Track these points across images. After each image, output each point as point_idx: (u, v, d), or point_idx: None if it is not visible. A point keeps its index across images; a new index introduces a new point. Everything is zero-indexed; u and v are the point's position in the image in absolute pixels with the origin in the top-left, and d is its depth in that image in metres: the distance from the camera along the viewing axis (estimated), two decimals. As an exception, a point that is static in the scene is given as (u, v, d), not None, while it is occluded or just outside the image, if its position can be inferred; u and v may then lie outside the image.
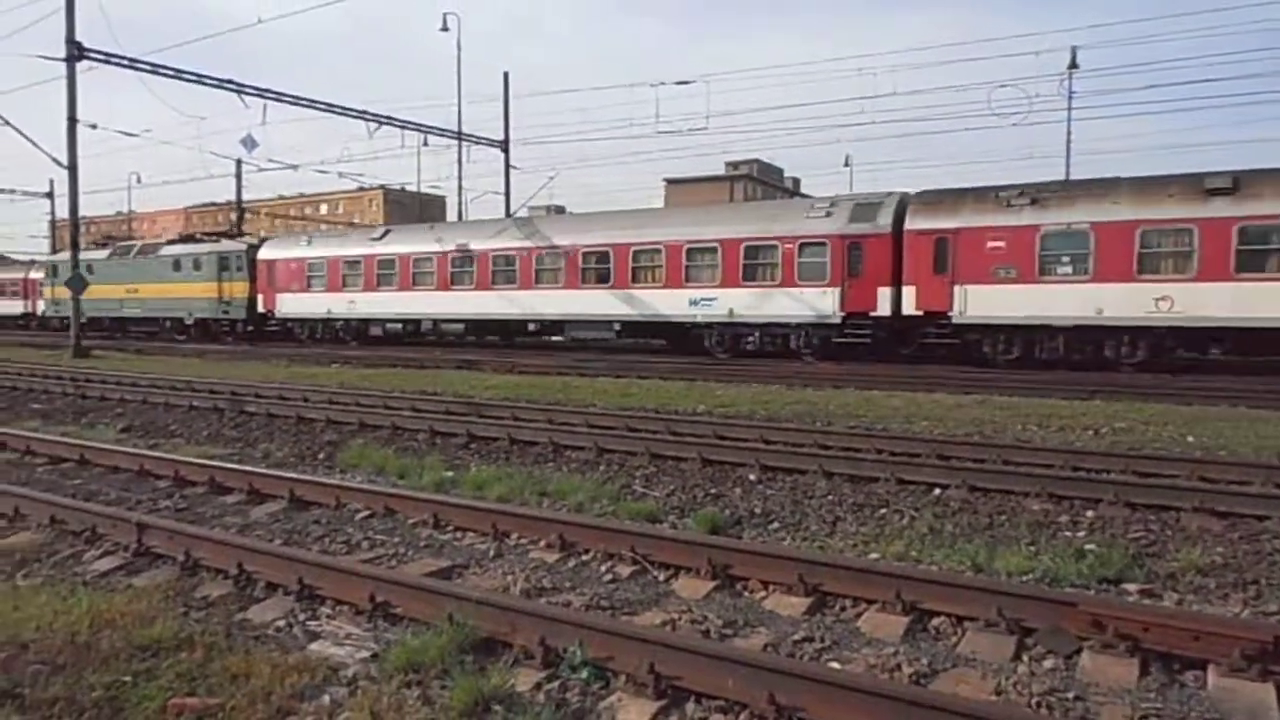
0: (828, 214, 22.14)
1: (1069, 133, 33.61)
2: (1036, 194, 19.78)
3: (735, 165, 70.22)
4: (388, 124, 32.91)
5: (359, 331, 31.30)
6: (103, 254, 38.82)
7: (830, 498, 7.22)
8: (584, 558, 5.67)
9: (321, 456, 9.58)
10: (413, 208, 72.10)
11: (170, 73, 27.22)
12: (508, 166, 37.81)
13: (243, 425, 11.70)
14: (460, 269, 27.91)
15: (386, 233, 31.65)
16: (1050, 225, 19.14)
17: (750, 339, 23.30)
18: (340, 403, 13.07)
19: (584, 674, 3.75)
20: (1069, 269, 18.97)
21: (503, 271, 27.11)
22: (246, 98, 28.78)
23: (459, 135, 36.27)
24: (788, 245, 22.25)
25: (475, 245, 27.80)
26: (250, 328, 33.71)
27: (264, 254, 33.12)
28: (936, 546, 5.83)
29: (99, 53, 25.72)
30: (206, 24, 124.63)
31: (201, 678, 3.76)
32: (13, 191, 57.15)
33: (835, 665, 3.99)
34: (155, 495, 7.63)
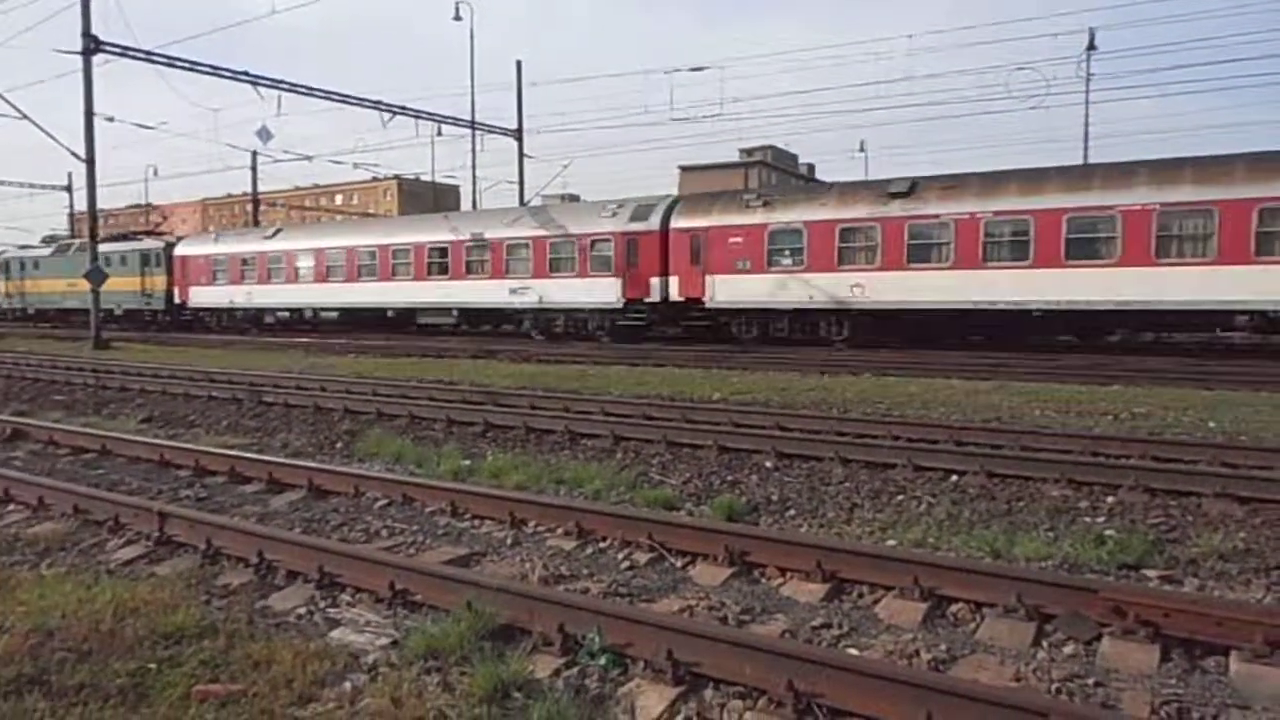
0: (614, 214, 25.62)
1: (1087, 115, 33.28)
2: (769, 197, 23.61)
3: (749, 152, 69.87)
4: (401, 114, 32.96)
5: (256, 319, 35.17)
6: (47, 251, 42.75)
7: (847, 484, 7.21)
8: (601, 545, 5.68)
9: (339, 446, 9.64)
10: (427, 197, 72.21)
11: (185, 65, 27.37)
12: (521, 155, 37.82)
13: (261, 415, 11.78)
14: (334, 264, 31.78)
15: (277, 232, 35.84)
16: (775, 224, 22.72)
17: (557, 323, 26.81)
18: (357, 392, 13.14)
19: (602, 660, 3.77)
20: (789, 261, 22.45)
21: (367, 266, 30.82)
22: (261, 89, 28.91)
23: (472, 124, 36.29)
24: (583, 241, 25.79)
25: (347, 243, 32.01)
26: (168, 318, 37.60)
27: (179, 251, 37.33)
28: (954, 532, 5.81)
29: (115, 46, 25.88)
30: (221, 16, 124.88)
31: (224, 665, 3.81)
32: (32, 185, 57.57)
33: (853, 651, 3.99)
34: (176, 485, 7.71)
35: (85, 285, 30.57)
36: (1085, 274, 18.90)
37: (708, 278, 23.51)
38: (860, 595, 4.73)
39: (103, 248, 36.92)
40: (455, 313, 28.84)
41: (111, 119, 30.04)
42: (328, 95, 31.23)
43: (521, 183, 37.78)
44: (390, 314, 31.17)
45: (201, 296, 36.32)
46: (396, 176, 70.22)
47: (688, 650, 3.64)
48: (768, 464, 7.95)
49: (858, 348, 21.09)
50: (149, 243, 39.05)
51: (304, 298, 33.02)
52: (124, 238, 42.12)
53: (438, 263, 29.03)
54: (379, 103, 32.28)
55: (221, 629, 4.17)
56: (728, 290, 23.28)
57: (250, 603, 4.68)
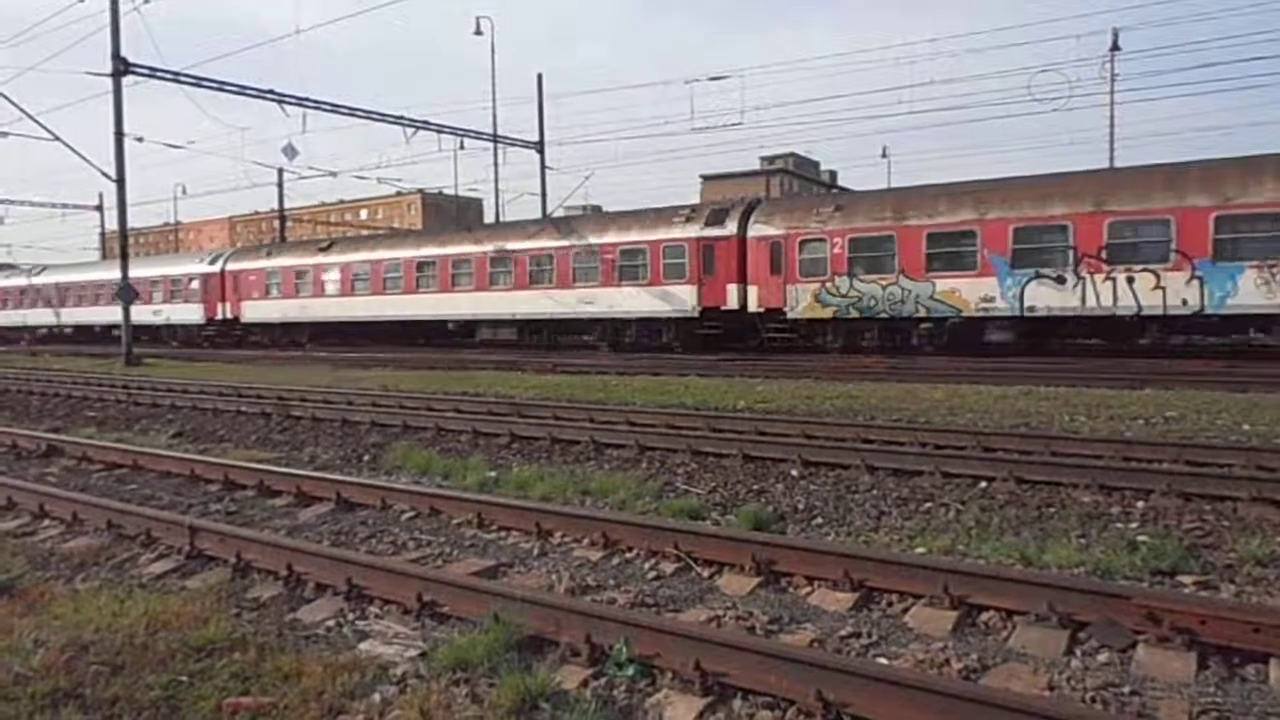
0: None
1: (1112, 116, 32.96)
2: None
3: (771, 160, 69.85)
4: (424, 129, 33.21)
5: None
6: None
7: (874, 492, 7.16)
8: (627, 555, 5.68)
9: (366, 459, 9.70)
10: (450, 210, 72.74)
11: (213, 85, 27.75)
12: (543, 168, 37.98)
13: (289, 429, 11.89)
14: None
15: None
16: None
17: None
18: (384, 405, 13.23)
19: (630, 671, 3.76)
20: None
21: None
22: (287, 107, 29.25)
23: (494, 138, 36.51)
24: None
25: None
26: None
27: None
28: (984, 540, 5.75)
29: (144, 68, 26.28)
30: (246, 36, 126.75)
31: (255, 677, 3.83)
32: (64, 206, 58.60)
33: (883, 661, 3.95)
34: (206, 499, 7.79)
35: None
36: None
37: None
38: (889, 604, 4.69)
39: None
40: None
41: (141, 139, 30.67)
42: (352, 112, 31.54)
43: (544, 194, 37.97)
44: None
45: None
46: (420, 191, 70.90)
47: (715, 660, 3.62)
48: (794, 472, 7.91)
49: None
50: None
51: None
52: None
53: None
54: (402, 118, 32.56)
55: (252, 642, 4.21)
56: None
57: (280, 615, 4.72)
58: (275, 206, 52.25)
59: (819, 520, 6.54)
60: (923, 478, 7.42)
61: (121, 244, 28.09)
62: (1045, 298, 19.22)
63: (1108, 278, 18.48)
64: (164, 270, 40.54)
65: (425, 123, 33.22)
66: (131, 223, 29.89)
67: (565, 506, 6.75)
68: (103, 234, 62.99)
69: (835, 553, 5.14)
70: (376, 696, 3.67)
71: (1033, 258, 19.37)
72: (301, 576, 5.16)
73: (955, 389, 13.68)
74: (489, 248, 28.77)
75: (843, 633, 4.31)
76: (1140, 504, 6.46)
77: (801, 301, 22.49)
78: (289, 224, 55.28)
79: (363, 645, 4.28)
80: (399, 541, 6.23)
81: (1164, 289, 17.86)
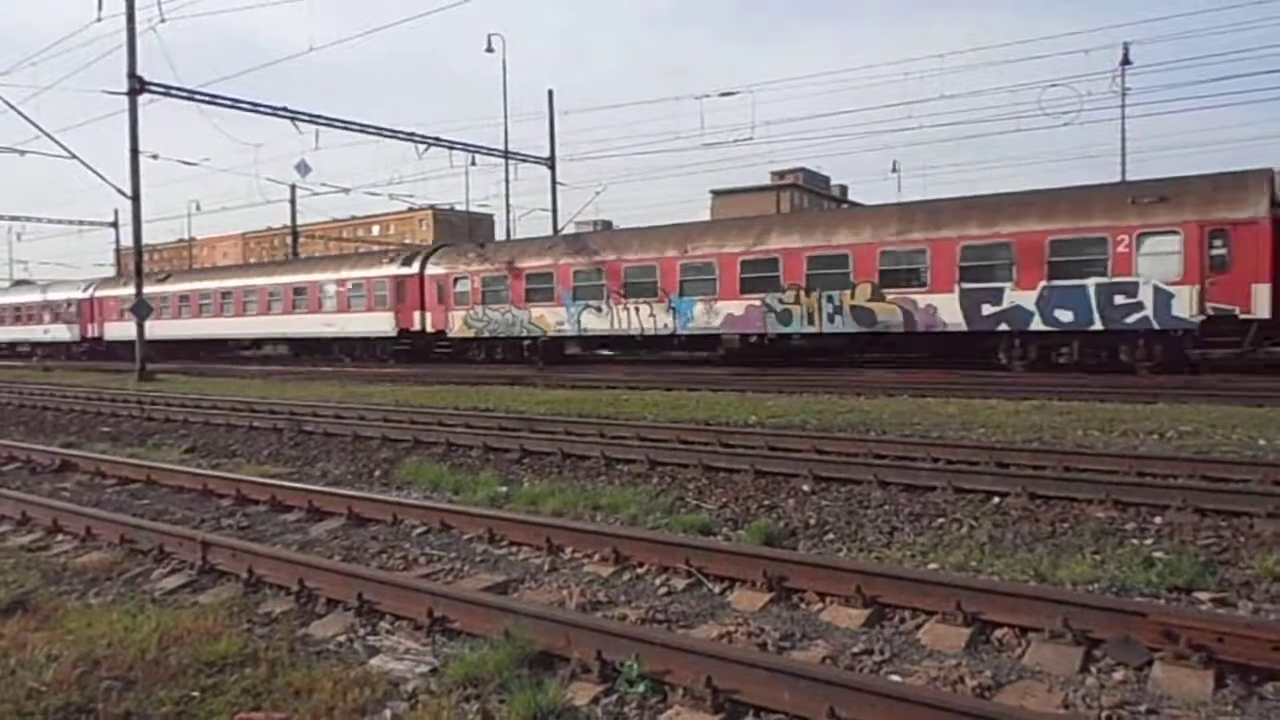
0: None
1: (1123, 131, 32.97)
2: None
3: (781, 175, 69.92)
4: (436, 145, 33.45)
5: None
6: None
7: (886, 508, 7.12)
8: (639, 571, 5.66)
9: (378, 474, 9.72)
10: (461, 226, 73.05)
11: (227, 103, 28.02)
12: (554, 184, 38.19)
13: (301, 444, 11.93)
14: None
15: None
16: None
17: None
18: (395, 420, 13.27)
19: (641, 688, 3.74)
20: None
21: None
22: (300, 124, 29.53)
23: (505, 154, 36.73)
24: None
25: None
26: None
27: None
28: (997, 556, 5.71)
29: (159, 86, 26.57)
30: (260, 54, 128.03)
31: (266, 693, 3.84)
32: (80, 223, 59.16)
33: (896, 678, 3.92)
34: (219, 514, 7.82)
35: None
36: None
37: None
38: (902, 620, 4.65)
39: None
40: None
41: (156, 156, 30.90)
42: (364, 129, 31.80)
43: (555, 210, 38.15)
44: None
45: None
46: (432, 207, 71.25)
47: (727, 677, 3.60)
48: (805, 487, 7.88)
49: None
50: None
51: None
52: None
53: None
54: (414, 135, 32.82)
55: (263, 657, 4.21)
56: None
57: (291, 630, 4.72)
58: (288, 223, 52.63)
59: (831, 536, 6.51)
60: (935, 493, 7.38)
61: (136, 260, 28.33)
62: (591, 321, 26.26)
63: (625, 308, 25.49)
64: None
65: (437, 139, 33.47)
66: (146, 239, 30.15)
67: (576, 522, 6.74)
68: (118, 250, 63.48)
69: (847, 569, 5.11)
70: (388, 713, 3.67)
71: (585, 293, 26.45)
72: (313, 592, 5.17)
73: (969, 403, 13.63)
74: (268, 281, 35.83)
75: (855, 649, 4.28)
76: (1156, 520, 6.40)
77: (456, 324, 29.33)
78: (301, 240, 55.64)
79: (374, 661, 4.28)
80: (410, 557, 6.23)
81: (655, 316, 24.90)
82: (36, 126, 28.00)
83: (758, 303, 22.96)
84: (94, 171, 28.26)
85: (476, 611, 4.53)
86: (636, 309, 25.25)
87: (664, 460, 9.16)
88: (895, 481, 7.73)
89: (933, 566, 5.61)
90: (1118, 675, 3.88)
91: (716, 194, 69.70)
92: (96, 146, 29.92)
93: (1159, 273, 18.01)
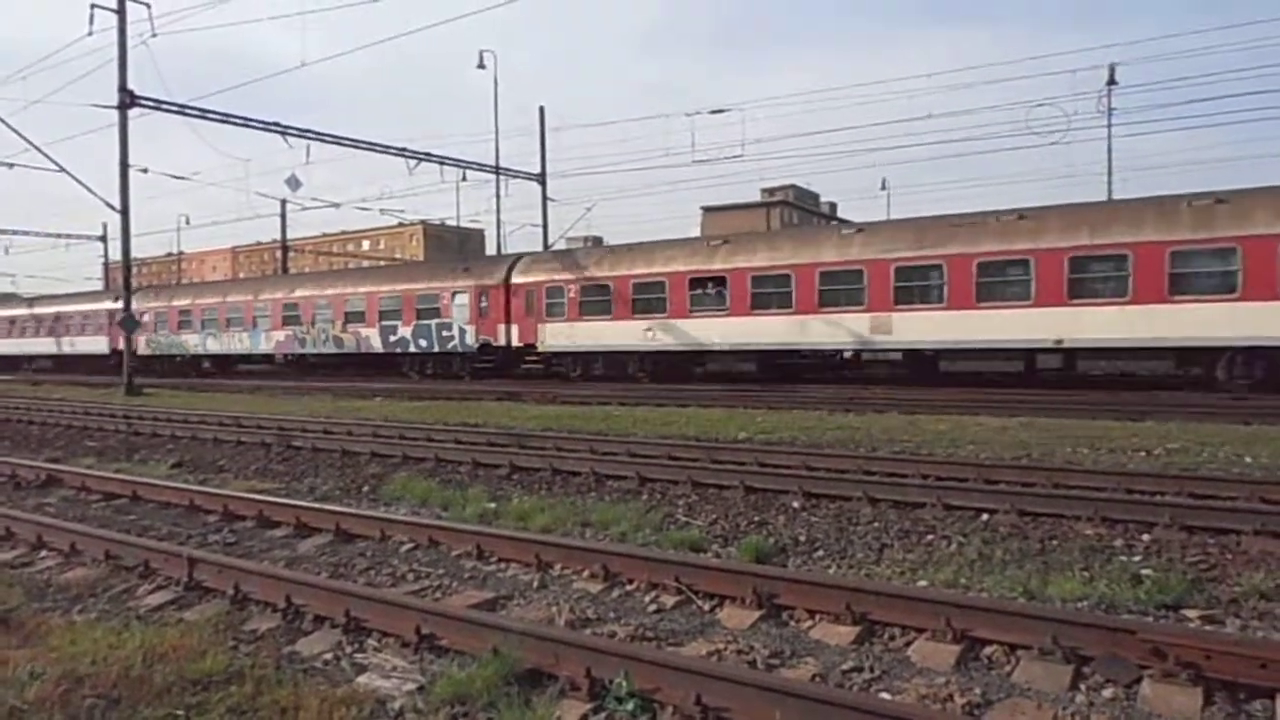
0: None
1: (1110, 150, 33.25)
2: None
3: (771, 191, 70.23)
4: (426, 160, 33.46)
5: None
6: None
7: (876, 524, 7.13)
8: (628, 588, 5.64)
9: (366, 490, 9.67)
10: (452, 242, 73.10)
11: (218, 117, 27.98)
12: (545, 199, 38.24)
13: (290, 459, 11.86)
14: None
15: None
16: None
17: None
18: (384, 436, 13.21)
19: (630, 705, 3.72)
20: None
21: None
22: (290, 139, 29.48)
23: (496, 170, 36.77)
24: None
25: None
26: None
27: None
28: (986, 573, 5.71)
29: (150, 100, 26.54)
30: (252, 68, 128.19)
31: (252, 711, 3.80)
32: (68, 236, 58.91)
33: (885, 696, 3.91)
34: (205, 530, 7.76)
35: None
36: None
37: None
38: (891, 638, 4.65)
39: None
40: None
41: (145, 170, 30.89)
42: (355, 144, 31.78)
43: (545, 226, 38.19)
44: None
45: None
46: (422, 222, 71.29)
47: (717, 695, 3.59)
48: (795, 504, 7.88)
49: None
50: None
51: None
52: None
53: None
54: (405, 150, 32.82)
55: (249, 675, 4.17)
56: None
57: (277, 648, 4.68)
58: (278, 237, 52.55)
59: (820, 553, 6.51)
60: (924, 510, 7.39)
61: (125, 274, 28.18)
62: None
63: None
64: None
65: (428, 154, 33.49)
66: (135, 253, 30.02)
67: (565, 538, 6.72)
68: (106, 264, 63.22)
69: (837, 585, 5.11)
70: (374, 731, 3.64)
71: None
72: (300, 608, 5.13)
73: (958, 420, 13.67)
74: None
75: (845, 667, 4.28)
76: (1144, 537, 6.43)
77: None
78: (291, 254, 55.52)
79: (361, 678, 4.24)
80: (398, 573, 6.19)
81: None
82: (26, 140, 27.93)
83: None
84: (83, 185, 28.22)
85: (464, 629, 4.51)
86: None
87: (654, 476, 9.14)
88: (885, 498, 7.73)
89: (922, 583, 5.61)
90: (1107, 693, 3.89)
91: (707, 210, 69.93)
92: (86, 160, 29.91)
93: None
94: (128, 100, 25.90)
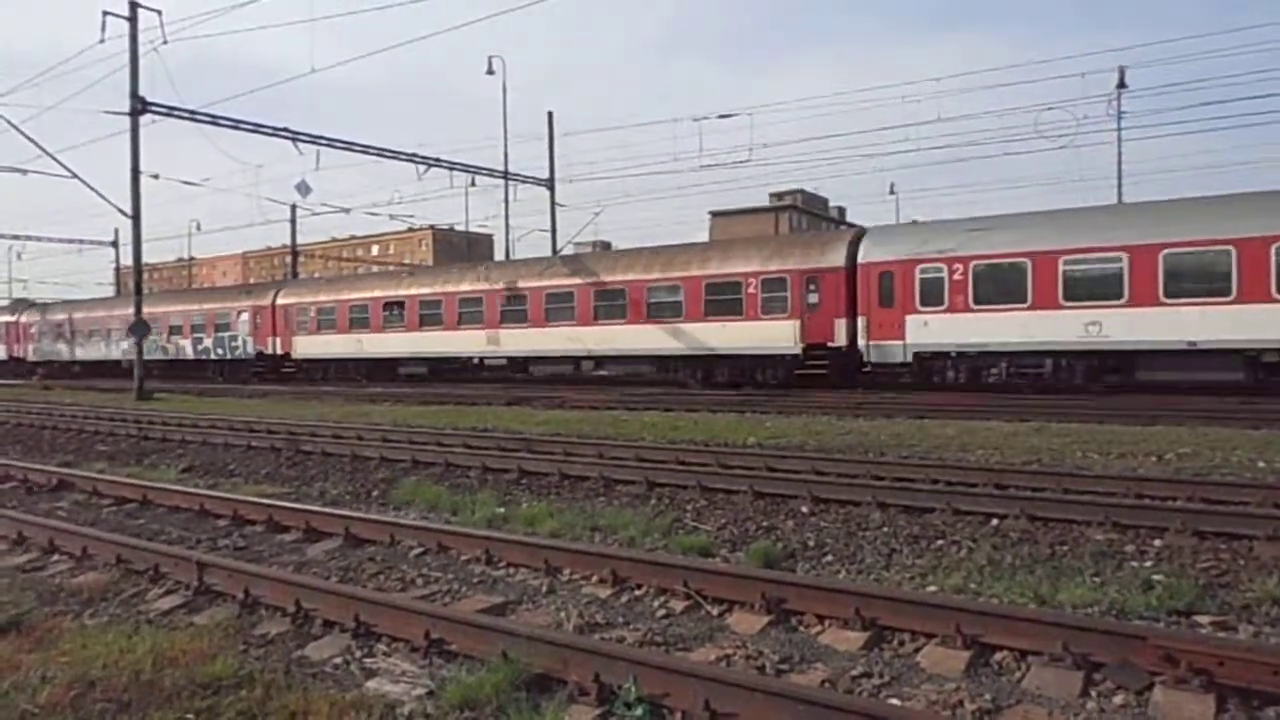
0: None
1: (1119, 154, 33.09)
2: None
3: (779, 196, 70.15)
4: (436, 166, 33.53)
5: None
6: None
7: (885, 529, 7.10)
8: (637, 593, 5.64)
9: (375, 494, 9.69)
10: (461, 246, 73.23)
11: (228, 123, 28.15)
12: (553, 205, 38.29)
13: (299, 464, 11.90)
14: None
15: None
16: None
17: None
18: (393, 441, 13.24)
19: (638, 711, 3.72)
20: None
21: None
22: (301, 145, 29.63)
23: (505, 175, 36.84)
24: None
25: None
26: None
27: None
28: (996, 578, 5.69)
29: (161, 106, 26.70)
30: (262, 74, 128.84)
31: (261, 715, 3.81)
32: (80, 242, 59.27)
33: (895, 702, 3.90)
34: (215, 534, 7.79)
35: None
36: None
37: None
38: (901, 643, 4.63)
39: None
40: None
41: (157, 176, 31.05)
42: (365, 149, 31.90)
43: (554, 231, 38.25)
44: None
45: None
46: (431, 227, 71.49)
47: (725, 700, 3.58)
48: (804, 509, 7.86)
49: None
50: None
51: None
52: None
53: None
54: (414, 155, 32.92)
55: (259, 679, 4.18)
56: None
57: (287, 652, 4.69)
58: (287, 242, 52.76)
59: (829, 558, 6.49)
60: (934, 515, 7.36)
61: (136, 279, 28.36)
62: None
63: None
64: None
65: (437, 160, 33.56)
66: (146, 258, 30.20)
67: (574, 543, 6.72)
68: (118, 269, 63.59)
69: (846, 591, 5.09)
70: (383, 736, 3.64)
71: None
72: (309, 613, 5.14)
73: (967, 425, 13.62)
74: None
75: (854, 673, 4.26)
76: (1155, 542, 6.39)
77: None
78: (301, 259, 55.74)
79: (370, 683, 4.25)
80: (407, 578, 6.20)
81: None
82: (38, 146, 28.23)
83: None
84: (95, 191, 28.49)
85: (474, 633, 4.51)
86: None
87: (663, 481, 9.14)
88: (894, 503, 7.71)
89: (932, 589, 5.59)
90: (1118, 699, 3.87)
91: (715, 215, 69.92)
92: (98, 166, 30.11)
93: None
94: (139, 107, 26.07)
